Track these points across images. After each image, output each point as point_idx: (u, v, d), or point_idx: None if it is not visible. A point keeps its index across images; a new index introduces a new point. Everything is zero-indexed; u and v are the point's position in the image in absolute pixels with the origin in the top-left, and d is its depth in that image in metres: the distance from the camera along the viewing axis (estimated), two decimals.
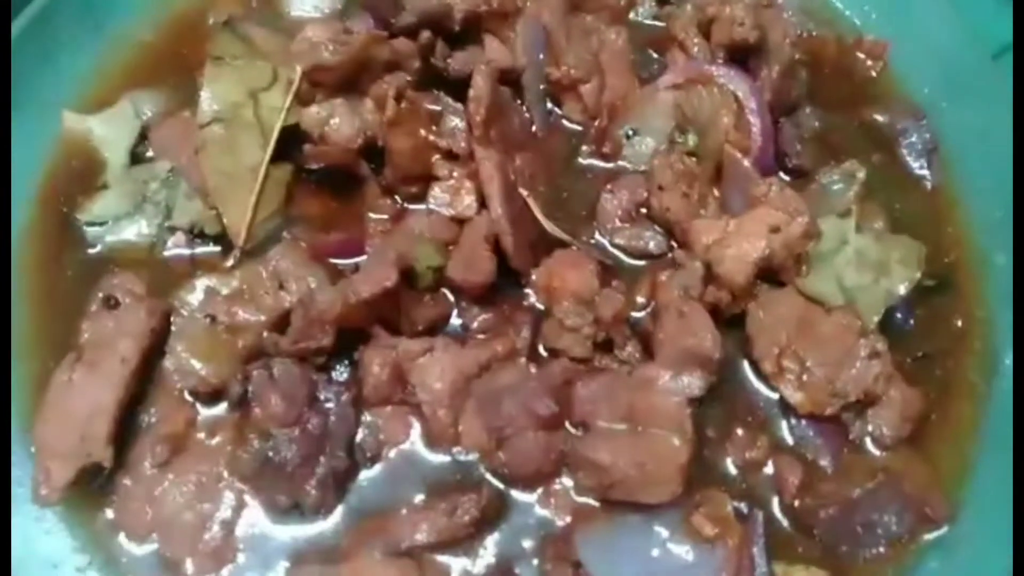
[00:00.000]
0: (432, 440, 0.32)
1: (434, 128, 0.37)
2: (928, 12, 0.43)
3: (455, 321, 0.35)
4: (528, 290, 0.36)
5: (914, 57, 0.44)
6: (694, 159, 0.39)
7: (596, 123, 0.40)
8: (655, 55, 0.43)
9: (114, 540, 0.31)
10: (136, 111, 0.40)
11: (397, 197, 0.38)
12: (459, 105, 0.38)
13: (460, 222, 0.36)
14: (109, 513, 0.31)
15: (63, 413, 0.31)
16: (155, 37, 0.43)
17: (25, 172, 0.39)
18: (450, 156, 0.37)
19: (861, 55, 0.44)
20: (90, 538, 0.31)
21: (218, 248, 0.36)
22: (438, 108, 0.39)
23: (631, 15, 0.44)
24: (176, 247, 0.37)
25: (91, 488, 0.31)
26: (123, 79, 0.42)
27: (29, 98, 0.40)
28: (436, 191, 0.37)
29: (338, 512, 0.31)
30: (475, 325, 0.35)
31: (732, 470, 0.33)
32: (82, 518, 0.31)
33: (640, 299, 0.36)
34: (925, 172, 0.41)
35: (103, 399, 0.31)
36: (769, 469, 0.33)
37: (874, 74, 0.44)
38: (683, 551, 0.31)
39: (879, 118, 0.42)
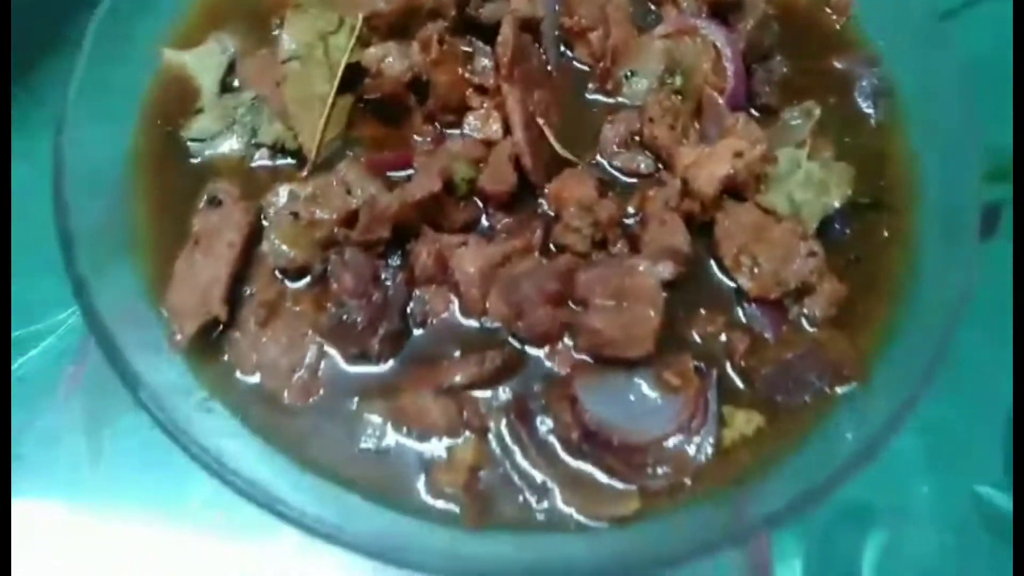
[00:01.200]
0: (466, 311, 0.41)
1: (468, 67, 0.46)
2: None
3: (484, 224, 0.44)
4: (542, 200, 0.45)
5: (872, 13, 0.52)
6: (680, 97, 0.47)
7: (601, 65, 0.48)
8: (652, 8, 0.51)
9: (230, 378, 0.41)
10: (223, 48, 0.48)
11: (437, 124, 0.46)
12: (488, 48, 0.47)
13: (489, 144, 0.45)
14: (225, 358, 0.41)
15: (188, 283, 0.40)
16: None
17: (133, 99, 0.47)
18: (481, 90, 0.45)
19: (828, 9, 0.52)
20: (212, 376, 0.40)
21: (295, 162, 0.45)
22: (471, 50, 0.47)
23: None
24: (261, 160, 0.45)
25: (210, 339, 0.41)
26: (208, 21, 0.50)
27: (133, 35, 0.48)
28: (470, 119, 0.45)
29: (395, 362, 0.41)
30: (499, 227, 0.44)
31: (696, 339, 0.42)
32: (205, 362, 0.41)
33: (631, 209, 0.45)
34: (871, 111, 0.49)
35: (218, 272, 0.40)
36: (724, 338, 0.42)
37: (838, 27, 0.52)
38: (655, 396, 0.40)
39: (838, 65, 0.50)
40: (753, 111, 0.48)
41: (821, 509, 0.44)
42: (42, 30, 0.54)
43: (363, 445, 0.39)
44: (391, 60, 0.44)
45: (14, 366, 0.47)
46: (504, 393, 0.40)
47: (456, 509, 0.37)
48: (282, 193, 0.43)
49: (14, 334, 0.47)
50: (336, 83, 0.44)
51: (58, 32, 0.54)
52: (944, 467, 0.47)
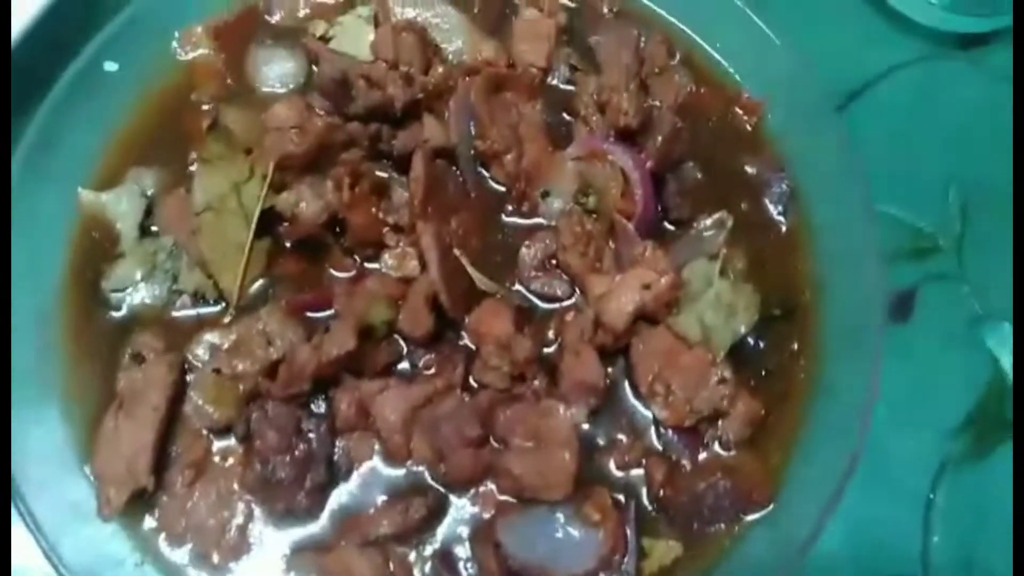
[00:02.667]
0: (389, 457, 0.43)
1: (383, 203, 0.46)
2: (785, 69, 0.51)
3: (404, 364, 0.45)
4: (463, 332, 0.46)
5: (779, 111, 0.53)
6: (594, 215, 0.48)
7: (516, 186, 0.49)
8: (567, 116, 0.52)
9: (159, 541, 0.41)
10: (141, 188, 0.49)
11: (356, 257, 0.47)
12: (404, 178, 0.47)
13: (407, 281, 0.45)
14: (153, 522, 0.42)
15: (115, 450, 0.41)
16: (145, 115, 0.51)
17: (54, 245, 0.47)
18: (397, 229, 0.46)
19: (739, 110, 0.53)
20: (142, 541, 0.41)
21: (217, 308, 0.46)
22: (386, 176, 0.48)
23: (549, 79, 0.53)
24: (183, 308, 0.46)
25: (140, 504, 0.42)
26: (123, 157, 0.49)
27: (48, 178, 0.48)
28: (386, 257, 0.46)
29: (324, 515, 0.42)
30: (420, 364, 0.45)
31: (614, 469, 0.44)
32: (135, 527, 0.41)
33: (551, 335, 0.46)
34: (781, 218, 0.50)
35: (142, 439, 0.41)
36: (642, 468, 0.44)
37: (749, 128, 0.53)
38: (576, 532, 0.42)
39: (749, 170, 0.51)
40: (667, 223, 0.49)
41: None
42: None
43: None
44: (304, 205, 0.44)
45: None
46: (431, 540, 0.41)
47: None
48: (204, 345, 0.44)
49: None
50: (252, 229, 0.45)
51: None
52: (867, 558, 0.49)
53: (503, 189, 0.49)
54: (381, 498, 0.42)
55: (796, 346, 0.47)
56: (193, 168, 0.48)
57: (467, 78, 0.49)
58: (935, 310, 0.55)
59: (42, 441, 0.42)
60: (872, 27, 0.63)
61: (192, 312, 0.46)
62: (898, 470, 0.50)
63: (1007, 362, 0.53)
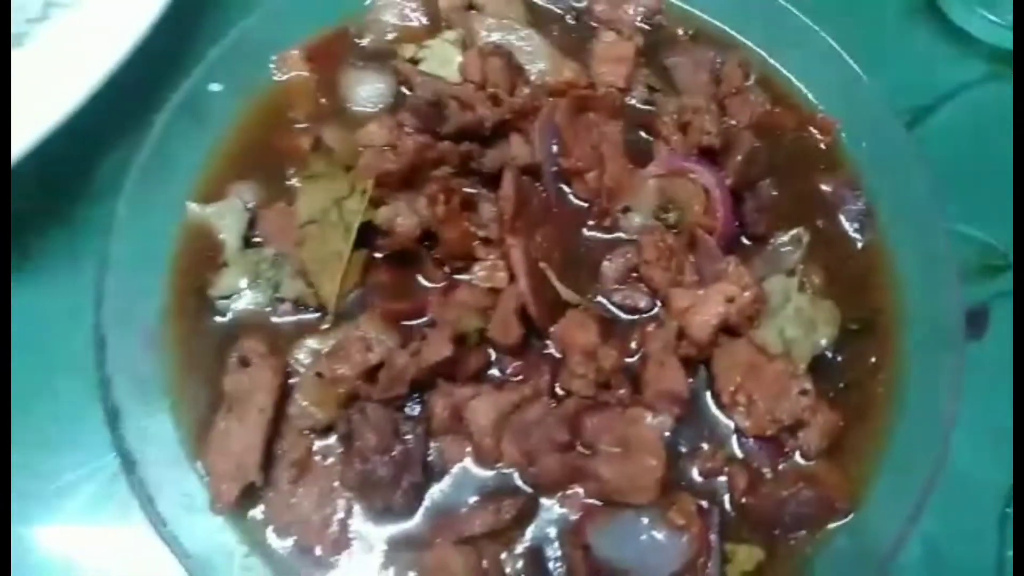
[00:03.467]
0: (481, 460, 0.44)
1: (473, 217, 0.49)
2: (857, 88, 0.53)
3: (493, 370, 0.47)
4: (549, 342, 0.48)
5: (853, 131, 0.54)
6: (675, 230, 0.50)
7: (598, 201, 0.51)
8: (645, 136, 0.54)
9: (266, 533, 0.44)
10: (243, 202, 0.51)
11: (447, 269, 0.49)
12: (492, 193, 0.50)
13: (496, 291, 0.48)
14: (260, 515, 0.44)
15: (224, 449, 0.43)
16: (245, 132, 0.54)
17: (164, 255, 0.50)
18: (486, 242, 0.48)
19: (813, 129, 0.55)
20: (250, 533, 0.44)
21: (316, 315, 0.48)
22: (475, 192, 0.50)
23: (627, 99, 0.55)
24: (285, 315, 0.48)
25: (248, 499, 0.44)
26: (225, 172, 0.52)
27: (159, 191, 0.51)
28: (477, 269, 0.48)
29: (419, 513, 0.44)
30: (509, 371, 0.47)
31: (697, 476, 0.45)
32: (243, 520, 0.44)
33: (633, 346, 0.48)
34: (858, 235, 0.51)
35: (251, 439, 0.44)
36: (724, 475, 0.45)
37: (823, 147, 0.54)
38: (661, 536, 0.43)
39: (824, 188, 0.53)
40: (744, 239, 0.51)
41: None
42: (81, 175, 0.57)
43: None
44: (401, 219, 0.47)
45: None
46: (521, 540, 0.43)
47: None
48: (305, 350, 0.47)
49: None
50: (351, 241, 0.47)
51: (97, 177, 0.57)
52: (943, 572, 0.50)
53: (585, 205, 0.51)
54: (473, 498, 0.44)
55: (874, 360, 0.48)
56: (291, 183, 0.52)
57: (551, 99, 0.51)
58: (1007, 325, 0.56)
59: (158, 441, 0.45)
60: (936, 45, 0.64)
61: (293, 319, 0.48)
62: (974, 486, 0.51)
63: None
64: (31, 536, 0.49)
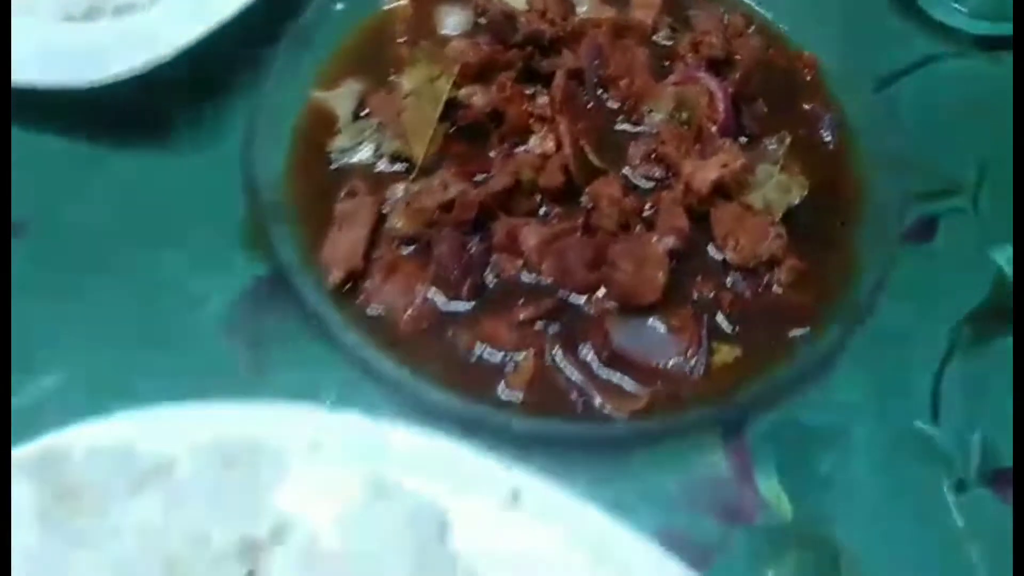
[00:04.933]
0: (528, 270, 0.58)
1: (531, 103, 0.64)
2: (839, 41, 0.68)
3: (541, 212, 0.61)
4: (583, 197, 0.61)
5: (832, 69, 0.69)
6: (686, 126, 0.64)
7: (628, 103, 0.66)
8: (666, 64, 0.69)
9: (362, 313, 0.57)
10: (354, 90, 0.67)
11: (507, 144, 0.64)
12: (545, 90, 0.64)
13: (546, 157, 0.62)
14: (358, 300, 0.58)
15: (335, 248, 0.57)
16: (358, 42, 0.70)
17: (293, 126, 0.66)
18: (541, 120, 0.63)
19: (800, 65, 0.69)
20: (349, 312, 0.57)
21: (405, 168, 0.63)
22: (533, 91, 0.65)
23: (653, 38, 0.70)
24: (382, 166, 0.63)
25: (349, 286, 0.58)
26: (341, 71, 0.68)
27: (293, 81, 0.67)
28: (532, 139, 0.63)
29: (477, 305, 0.57)
30: (552, 213, 0.61)
31: (695, 296, 0.58)
32: (345, 301, 0.57)
33: (648, 205, 0.62)
34: (830, 139, 0.66)
35: (356, 240, 0.57)
36: (714, 296, 0.58)
37: (808, 78, 0.69)
38: (664, 333, 0.56)
39: (805, 106, 0.67)
40: (742, 138, 0.65)
41: (787, 429, 0.59)
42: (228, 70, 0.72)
43: (459, 359, 0.56)
44: (476, 97, 0.62)
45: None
46: (554, 327, 0.56)
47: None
48: (397, 189, 0.61)
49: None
50: (438, 113, 0.62)
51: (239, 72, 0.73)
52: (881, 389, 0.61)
53: (616, 106, 0.66)
54: (520, 300, 0.57)
55: (840, 223, 0.61)
56: (391, 79, 0.67)
57: (594, 28, 0.67)
58: (952, 234, 0.69)
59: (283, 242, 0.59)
60: (907, 25, 0.79)
61: (389, 169, 0.63)
62: (913, 346, 0.63)
63: (1008, 270, 0.66)
64: None
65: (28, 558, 0.46)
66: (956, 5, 0.78)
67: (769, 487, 0.57)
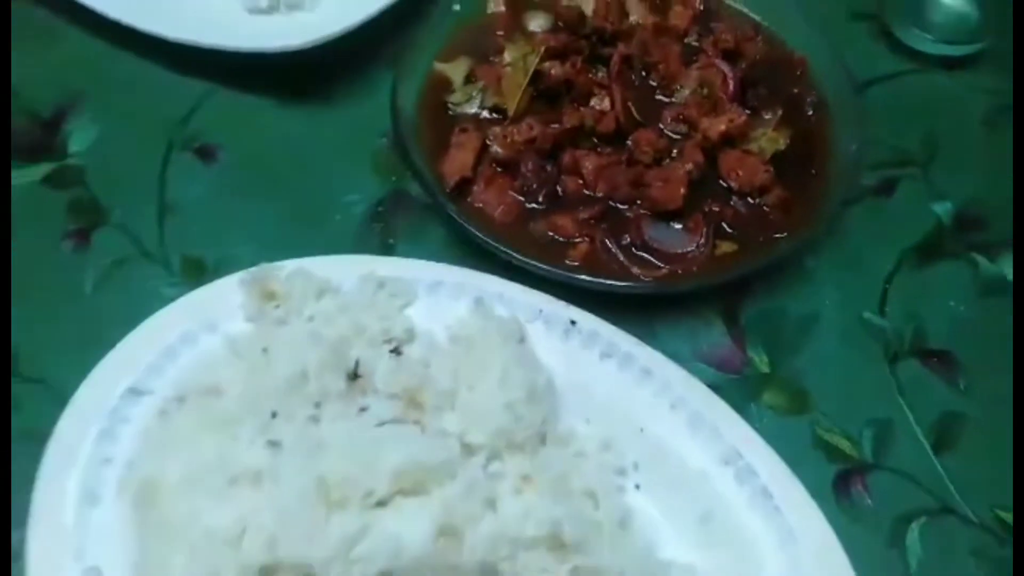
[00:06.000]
0: (587, 188, 0.80)
1: (594, 75, 0.88)
2: (825, 52, 0.91)
3: (598, 149, 0.85)
4: (628, 142, 0.85)
5: (816, 68, 0.92)
6: (705, 98, 0.87)
7: (663, 81, 0.89)
8: (693, 57, 0.92)
9: (470, 208, 0.81)
10: (465, 63, 0.92)
11: (577, 105, 0.87)
12: (604, 68, 0.89)
13: (603, 112, 0.85)
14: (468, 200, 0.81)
15: (452, 163, 0.80)
16: (468, 34, 0.95)
17: (421, 85, 0.91)
18: (600, 87, 0.86)
19: (793, 65, 0.93)
20: (462, 204, 0.80)
21: (502, 117, 0.87)
22: (595, 69, 0.89)
23: (685, 39, 0.94)
24: (485, 115, 0.87)
25: (459, 192, 0.82)
26: (456, 52, 0.93)
27: (420, 59, 0.92)
28: (593, 100, 0.86)
29: (550, 208, 0.80)
30: (605, 150, 0.83)
31: (705, 209, 0.80)
32: (457, 202, 0.81)
33: (675, 152, 0.85)
34: (811, 113, 0.88)
35: (467, 159, 0.81)
36: (718, 210, 0.80)
37: (799, 73, 0.92)
38: (680, 230, 0.79)
39: (795, 91, 0.90)
40: (746, 111, 0.88)
41: (772, 314, 0.80)
42: (376, 49, 0.98)
43: (536, 240, 0.78)
44: (555, 70, 0.86)
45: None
46: (603, 224, 0.79)
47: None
48: (496, 130, 0.85)
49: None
50: (527, 79, 0.86)
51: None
52: (844, 290, 0.82)
53: (655, 84, 0.89)
54: (580, 206, 0.80)
55: (813, 171, 0.83)
56: (491, 58, 0.92)
57: (642, 28, 0.92)
58: (906, 192, 0.90)
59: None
60: (876, 45, 1.02)
61: (490, 117, 0.87)
62: (870, 262, 0.84)
63: (947, 218, 0.87)
64: None
65: (234, 340, 0.69)
66: (924, 33, 1.02)
67: (755, 352, 0.78)
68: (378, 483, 0.57)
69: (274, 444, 0.59)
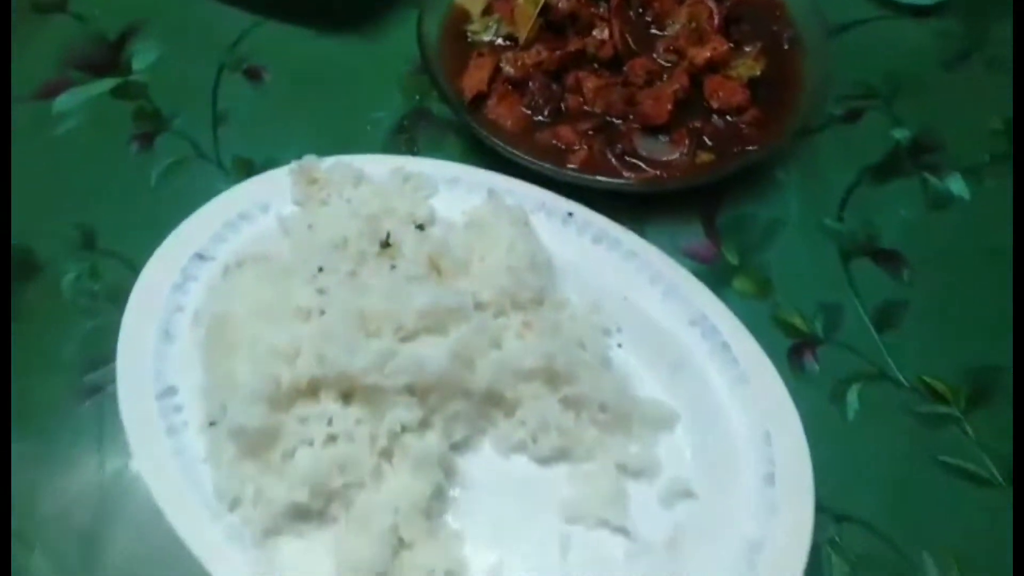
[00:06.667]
0: (588, 104, 0.92)
1: (597, 9, 0.99)
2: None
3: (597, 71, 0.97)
4: (625, 68, 0.97)
5: (794, 10, 1.03)
6: (695, 31, 0.99)
7: (658, 17, 1.01)
8: None
9: (484, 118, 0.93)
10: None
11: (580, 35, 0.99)
12: (606, 4, 1.00)
13: (603, 41, 0.97)
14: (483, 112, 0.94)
15: (471, 79, 0.92)
16: None
17: (443, 17, 1.03)
18: (601, 20, 0.98)
19: (774, 6, 1.04)
20: (478, 115, 0.93)
21: (513, 43, 0.99)
22: (598, 3, 1.01)
23: None
24: (499, 41, 0.99)
25: (475, 105, 0.94)
26: None
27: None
28: (595, 31, 0.98)
29: (556, 118, 0.93)
30: (604, 72, 0.96)
31: (689, 125, 0.92)
32: (472, 113, 0.94)
33: (665, 76, 0.96)
34: (787, 47, 1.00)
35: (483, 76, 0.93)
36: (700, 125, 0.92)
37: (778, 14, 1.03)
38: (665, 141, 0.91)
39: (774, 28, 1.02)
40: (729, 44, 0.99)
41: (744, 219, 0.92)
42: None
43: (542, 147, 0.91)
44: (562, 3, 0.98)
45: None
46: (600, 136, 0.91)
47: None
48: (509, 54, 0.97)
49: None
50: (537, 10, 0.98)
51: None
52: (809, 200, 0.95)
53: (650, 19, 1.01)
54: (580, 119, 0.93)
55: (784, 96, 0.95)
56: None
57: None
58: (870, 120, 1.02)
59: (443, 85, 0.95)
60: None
61: (503, 43, 0.99)
62: (832, 176, 0.96)
63: (905, 142, 0.99)
64: None
65: (284, 218, 0.82)
66: None
67: (728, 248, 0.91)
68: (407, 319, 0.69)
69: (321, 291, 0.72)
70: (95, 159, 0.97)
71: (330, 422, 0.64)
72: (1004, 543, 0.72)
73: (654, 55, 0.97)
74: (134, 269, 0.83)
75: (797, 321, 0.86)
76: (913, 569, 0.72)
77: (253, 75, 1.04)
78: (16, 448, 0.76)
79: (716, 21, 0.98)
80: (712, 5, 0.98)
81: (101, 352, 0.81)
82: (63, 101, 1.01)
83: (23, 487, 0.74)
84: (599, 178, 0.87)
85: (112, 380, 0.75)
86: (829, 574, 0.72)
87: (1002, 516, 0.74)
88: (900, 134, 1.00)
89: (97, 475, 0.75)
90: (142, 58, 1.05)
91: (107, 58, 1.05)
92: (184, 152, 0.97)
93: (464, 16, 1.02)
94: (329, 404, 0.65)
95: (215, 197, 0.85)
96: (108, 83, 1.03)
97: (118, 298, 0.81)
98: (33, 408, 0.79)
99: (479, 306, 0.76)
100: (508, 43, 0.99)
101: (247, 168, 0.95)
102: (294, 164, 0.85)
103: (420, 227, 0.81)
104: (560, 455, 0.72)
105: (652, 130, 0.91)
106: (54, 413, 0.78)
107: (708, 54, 0.94)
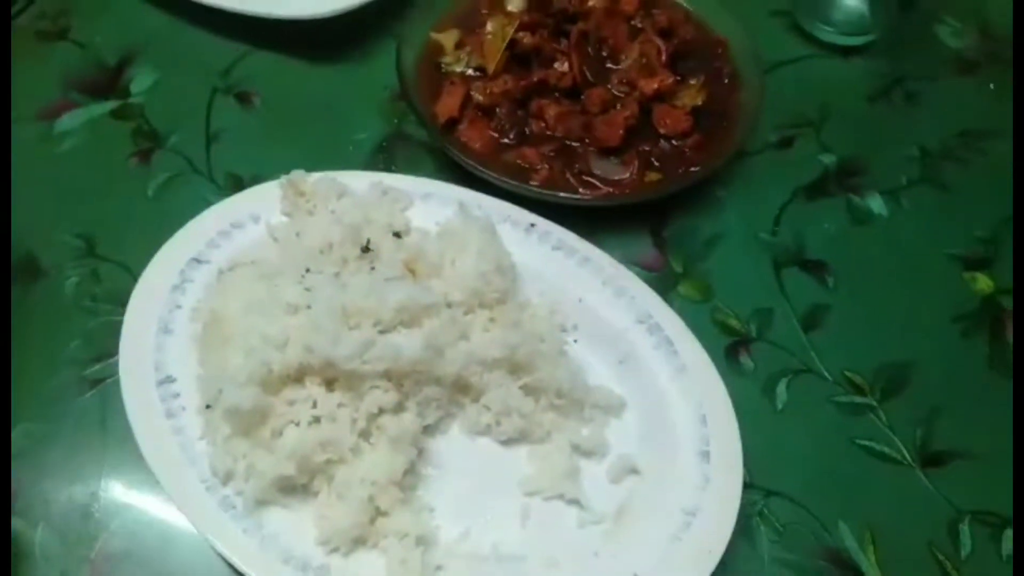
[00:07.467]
0: (549, 129, 1.03)
1: (558, 45, 1.10)
2: (741, 34, 1.15)
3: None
4: (583, 97, 1.07)
5: (734, 48, 1.16)
6: (645, 65, 1.11)
7: (612, 53, 1.12)
8: (636, 33, 1.16)
9: (459, 140, 1.03)
10: (456, 34, 1.14)
11: (541, 67, 1.10)
12: (566, 40, 1.11)
13: (564, 73, 1.08)
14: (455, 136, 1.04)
15: (444, 106, 1.02)
16: (458, 6, 1.19)
17: (420, 51, 1.13)
18: (562, 54, 1.09)
19: (715, 43, 1.16)
20: (450, 139, 1.03)
21: (483, 74, 1.09)
22: (559, 40, 1.12)
23: (631, 21, 1.17)
24: (470, 72, 1.10)
25: (449, 130, 1.04)
26: (447, 25, 1.16)
27: (418, 31, 1.14)
28: (556, 64, 1.08)
29: (520, 141, 1.03)
30: (563, 101, 1.07)
31: (638, 148, 1.03)
32: (447, 135, 1.03)
33: (618, 105, 1.07)
34: (727, 81, 1.12)
35: (454, 102, 1.03)
36: (649, 149, 1.03)
37: (719, 51, 1.15)
38: (617, 162, 1.01)
39: (716, 65, 1.13)
40: (676, 77, 1.11)
41: (687, 231, 1.03)
42: (382, 20, 1.21)
43: (508, 166, 1.01)
44: (526, 39, 1.09)
45: None
46: (561, 157, 1.01)
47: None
48: (478, 84, 1.07)
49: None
50: (504, 44, 1.09)
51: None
52: (746, 216, 1.05)
53: (606, 54, 1.12)
54: (544, 143, 1.03)
55: (724, 123, 1.06)
56: (477, 30, 1.14)
57: (597, 9, 1.15)
58: (802, 147, 1.14)
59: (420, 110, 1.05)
60: (787, 37, 1.26)
61: (475, 74, 1.09)
62: (769, 197, 1.07)
63: (832, 167, 1.11)
64: None
65: (273, 227, 0.91)
66: (826, 26, 1.26)
67: (673, 258, 1.01)
68: (384, 314, 0.78)
69: (308, 289, 0.80)
70: (96, 174, 1.05)
71: (315, 404, 0.73)
72: (910, 514, 0.82)
73: (609, 86, 1.08)
74: (132, 273, 0.91)
75: (734, 322, 0.96)
76: (831, 536, 0.82)
77: (244, 99, 1.13)
78: (23, 429, 0.83)
79: (664, 57, 1.09)
80: (660, 43, 1.10)
81: (103, 348, 0.88)
82: (66, 121, 1.09)
83: (29, 467, 0.81)
84: (559, 194, 0.97)
85: (114, 372, 0.83)
86: (759, 541, 0.81)
87: (909, 490, 0.84)
88: (828, 159, 1.12)
89: (100, 455, 0.82)
90: (140, 82, 1.14)
91: (107, 82, 1.13)
92: (179, 167, 1.06)
93: (439, 49, 1.12)
94: (314, 388, 0.73)
95: (211, 207, 0.94)
96: (108, 105, 1.11)
97: (118, 299, 0.89)
98: (39, 397, 0.86)
99: (450, 305, 0.85)
100: (478, 73, 1.09)
101: (238, 184, 1.03)
102: (283, 178, 0.95)
103: (397, 235, 0.90)
104: (521, 436, 0.81)
105: (606, 152, 1.02)
106: (60, 401, 0.86)
107: (656, 85, 1.05)
